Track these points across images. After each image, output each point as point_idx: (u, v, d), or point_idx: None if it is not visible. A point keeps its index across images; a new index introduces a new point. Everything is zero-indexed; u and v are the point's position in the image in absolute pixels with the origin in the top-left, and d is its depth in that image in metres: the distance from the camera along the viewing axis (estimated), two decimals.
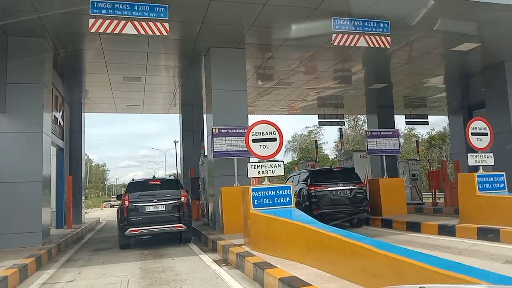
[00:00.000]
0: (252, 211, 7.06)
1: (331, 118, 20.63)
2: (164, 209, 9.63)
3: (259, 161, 7.59)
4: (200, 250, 9.04)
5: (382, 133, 12.59)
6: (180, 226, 9.64)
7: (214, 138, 9.96)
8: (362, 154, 14.54)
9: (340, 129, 18.60)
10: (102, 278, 6.63)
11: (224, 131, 10.03)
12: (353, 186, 10.92)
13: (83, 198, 16.94)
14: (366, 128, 18.89)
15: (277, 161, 7.69)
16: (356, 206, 10.83)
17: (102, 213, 31.42)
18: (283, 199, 7.23)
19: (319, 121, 20.64)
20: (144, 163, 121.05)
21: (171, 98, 16.68)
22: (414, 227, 9.89)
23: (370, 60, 13.27)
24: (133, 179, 10.39)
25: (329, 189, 10.78)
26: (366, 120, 49.91)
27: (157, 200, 9.62)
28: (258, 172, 7.49)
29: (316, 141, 20.19)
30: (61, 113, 14.19)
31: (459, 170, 15.78)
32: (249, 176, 7.54)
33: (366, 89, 17.36)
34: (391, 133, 12.69)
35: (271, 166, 7.53)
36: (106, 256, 8.99)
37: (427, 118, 22.09)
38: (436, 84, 17.21)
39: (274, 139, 7.60)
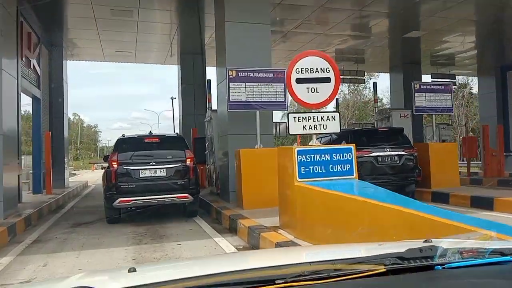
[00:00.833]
0: (298, 183, 4.83)
1: (350, 75, 18.25)
2: (165, 174, 7.40)
3: (304, 111, 5.31)
4: (213, 229, 6.88)
5: (432, 86, 10.24)
6: (185, 197, 7.44)
7: (230, 84, 7.56)
8: (403, 113, 12.25)
9: (375, 83, 16.22)
10: None
11: (244, 74, 7.61)
12: (402, 151, 8.70)
13: (66, 158, 14.61)
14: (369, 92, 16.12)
15: (331, 111, 5.42)
16: (405, 176, 8.66)
17: (92, 175, 29.14)
18: (341, 167, 5.00)
19: None
20: (136, 125, 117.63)
21: (168, 43, 14.10)
22: (483, 203, 7.78)
23: None
24: (123, 135, 8.05)
25: (372, 154, 8.55)
26: (366, 86, 47.39)
27: (156, 162, 7.36)
28: (304, 127, 5.20)
29: (337, 99, 17.75)
30: (36, 55, 11.62)
31: (502, 134, 13.83)
32: (291, 133, 5.26)
33: (392, 40, 14.92)
34: (443, 87, 10.34)
35: (322, 118, 5.24)
36: (87, 235, 6.81)
37: (454, 78, 19.87)
38: (470, 38, 14.84)
39: (327, 80, 5.28)
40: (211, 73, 18.19)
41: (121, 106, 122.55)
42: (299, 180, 4.86)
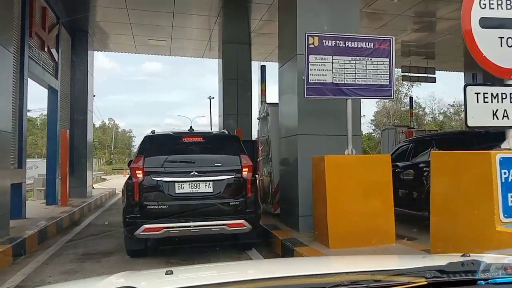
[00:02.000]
0: (506, 228, 2.31)
1: (418, 72, 15.59)
2: (211, 190, 5.04)
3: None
4: None
5: None
6: (240, 225, 5.03)
7: (309, 58, 5.09)
8: None
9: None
10: None
11: (331, 43, 5.10)
12: None
13: (89, 163, 12.57)
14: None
15: None
16: None
17: (123, 182, 27.43)
18: None
19: (402, 75, 15.81)
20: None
21: (208, 29, 11.92)
22: None
23: None
24: (153, 131, 5.74)
25: None
26: (407, 94, 43.56)
27: (199, 172, 5.01)
28: (494, 114, 2.69)
29: (411, 97, 15.13)
30: (53, 38, 9.69)
31: None
32: (470, 124, 2.74)
33: None
34: None
35: None
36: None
37: None
38: None
39: None
40: (256, 68, 15.97)
41: (154, 112, 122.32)
42: (506, 220, 2.34)
